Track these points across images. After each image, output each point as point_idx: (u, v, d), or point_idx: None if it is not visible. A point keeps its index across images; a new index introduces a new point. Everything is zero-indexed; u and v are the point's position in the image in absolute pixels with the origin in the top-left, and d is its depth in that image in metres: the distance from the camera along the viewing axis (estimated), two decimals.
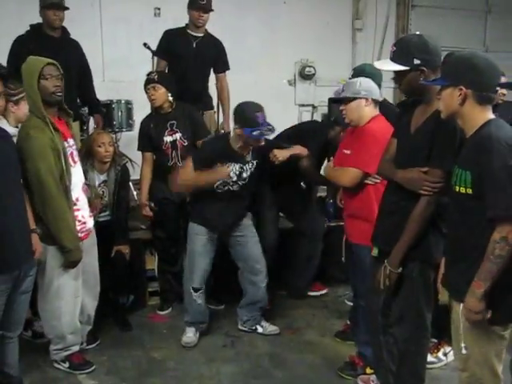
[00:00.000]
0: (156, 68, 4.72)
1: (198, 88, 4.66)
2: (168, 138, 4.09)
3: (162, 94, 4.06)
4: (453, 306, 2.36)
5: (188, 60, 4.59)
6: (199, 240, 3.75)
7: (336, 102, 3.57)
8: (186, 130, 4.12)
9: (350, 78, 3.82)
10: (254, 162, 3.70)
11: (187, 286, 3.84)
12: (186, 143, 4.11)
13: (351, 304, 4.08)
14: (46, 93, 3.06)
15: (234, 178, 3.65)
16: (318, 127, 4.41)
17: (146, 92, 4.10)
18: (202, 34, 4.66)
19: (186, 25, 4.68)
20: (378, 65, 2.77)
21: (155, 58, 4.81)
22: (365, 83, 3.24)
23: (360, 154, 3.15)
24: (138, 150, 4.24)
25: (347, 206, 3.37)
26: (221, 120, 4.97)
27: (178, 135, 4.09)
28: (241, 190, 3.73)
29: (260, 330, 3.98)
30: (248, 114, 3.49)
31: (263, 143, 3.60)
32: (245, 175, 3.69)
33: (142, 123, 4.27)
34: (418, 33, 2.64)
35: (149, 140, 4.14)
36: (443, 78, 2.29)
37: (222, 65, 4.86)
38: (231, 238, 3.85)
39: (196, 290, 3.79)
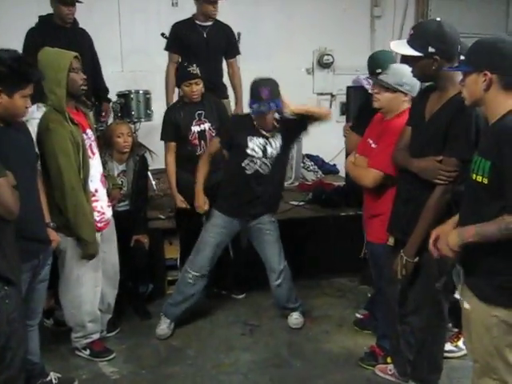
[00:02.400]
0: (169, 62, 4.70)
1: (212, 77, 4.61)
2: (196, 128, 4.01)
3: (202, 88, 4.00)
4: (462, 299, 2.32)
5: (201, 51, 4.58)
6: (213, 231, 3.72)
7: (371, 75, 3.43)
8: (214, 119, 4.05)
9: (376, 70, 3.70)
10: (279, 135, 3.61)
11: (186, 265, 3.80)
12: (215, 133, 4.02)
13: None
14: (75, 86, 3.07)
15: (260, 154, 3.58)
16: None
17: (184, 86, 3.97)
18: (211, 23, 4.66)
19: (193, 15, 4.68)
20: (393, 46, 2.70)
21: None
22: (411, 76, 2.81)
23: (383, 154, 2.98)
24: (162, 139, 4.10)
25: (368, 206, 3.25)
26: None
27: (206, 125, 4.02)
28: (271, 174, 3.63)
29: (288, 319, 3.97)
30: (253, 86, 3.48)
31: (270, 122, 3.51)
32: (271, 151, 3.60)
33: (168, 112, 4.16)
34: (438, 19, 2.59)
35: (175, 129, 4.03)
36: (467, 63, 2.20)
37: (232, 50, 4.85)
38: (251, 230, 3.81)
39: (192, 272, 3.73)
